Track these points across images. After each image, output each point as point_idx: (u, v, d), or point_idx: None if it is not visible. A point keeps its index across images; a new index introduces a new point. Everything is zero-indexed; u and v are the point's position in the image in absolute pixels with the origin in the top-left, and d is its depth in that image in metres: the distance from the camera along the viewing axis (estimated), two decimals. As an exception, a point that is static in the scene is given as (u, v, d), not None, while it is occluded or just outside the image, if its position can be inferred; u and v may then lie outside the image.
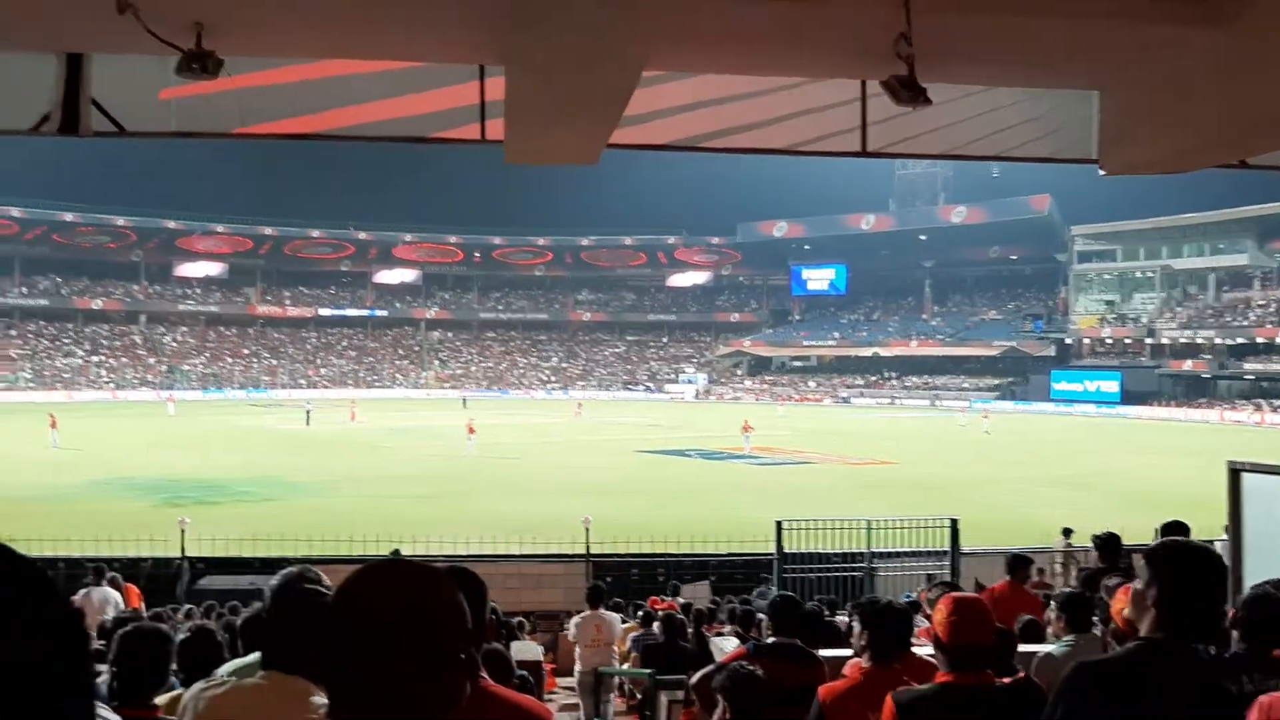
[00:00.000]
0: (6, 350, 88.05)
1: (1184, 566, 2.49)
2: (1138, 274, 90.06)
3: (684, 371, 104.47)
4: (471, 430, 40.74)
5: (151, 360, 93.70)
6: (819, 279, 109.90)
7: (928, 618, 7.66)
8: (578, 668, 10.67)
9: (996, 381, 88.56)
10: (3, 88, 4.31)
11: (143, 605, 11.97)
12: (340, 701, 1.46)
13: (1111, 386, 78.54)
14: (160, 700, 3.37)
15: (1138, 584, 2.56)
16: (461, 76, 4.49)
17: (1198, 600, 2.46)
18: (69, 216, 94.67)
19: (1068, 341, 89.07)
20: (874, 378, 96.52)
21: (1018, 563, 8.74)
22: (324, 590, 2.53)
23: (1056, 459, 40.97)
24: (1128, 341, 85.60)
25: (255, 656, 2.73)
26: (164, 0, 3.12)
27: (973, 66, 4.00)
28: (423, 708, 1.44)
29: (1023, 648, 5.43)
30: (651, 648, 9.08)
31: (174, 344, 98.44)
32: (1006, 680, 3.41)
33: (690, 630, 9.58)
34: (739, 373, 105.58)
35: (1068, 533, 15.78)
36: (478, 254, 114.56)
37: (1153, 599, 2.46)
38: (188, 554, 15.89)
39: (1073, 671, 2.46)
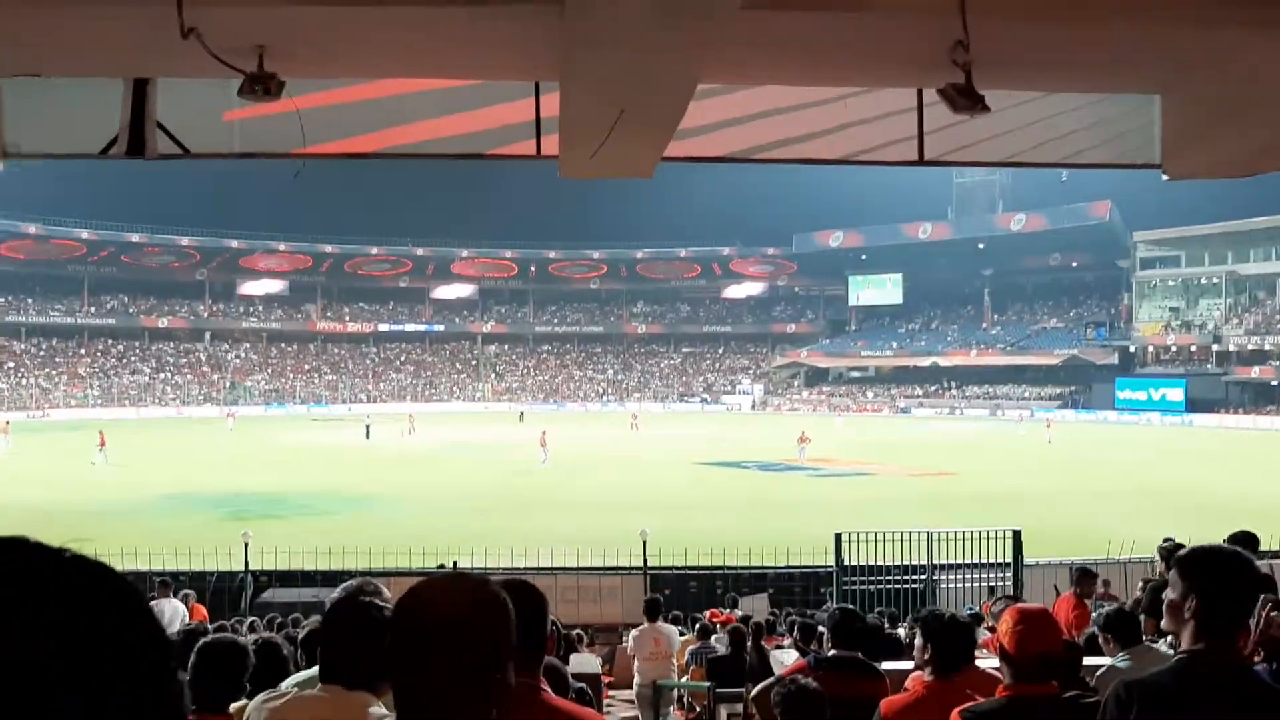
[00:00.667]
0: (76, 368, 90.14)
1: (1220, 572, 2.41)
2: (1202, 280, 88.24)
3: (740, 383, 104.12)
4: (544, 442, 40.92)
5: (215, 377, 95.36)
6: (876, 289, 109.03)
7: (991, 630, 7.55)
8: (636, 680, 10.65)
9: (1059, 390, 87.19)
10: (73, 113, 4.42)
11: (208, 619, 12.16)
12: (400, 709, 1.55)
13: (1177, 394, 77.00)
14: (233, 708, 3.46)
15: (1171, 594, 2.48)
16: (517, 93, 4.53)
17: (1234, 606, 2.39)
18: (136, 237, 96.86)
19: (1131, 349, 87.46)
20: (933, 388, 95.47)
21: (1083, 576, 8.60)
22: (377, 603, 2.57)
23: (1121, 468, 40.23)
24: (1193, 348, 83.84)
25: (316, 669, 2.78)
26: (226, 25, 3.18)
27: (1031, 73, 3.96)
28: (470, 713, 1.51)
29: (1089, 660, 5.34)
30: (716, 660, 9.03)
31: (237, 361, 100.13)
32: (1072, 692, 3.35)
33: (749, 643, 9.53)
34: (796, 384, 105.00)
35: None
36: (533, 268, 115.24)
37: (1191, 610, 2.39)
38: (251, 567, 16.12)
39: (1116, 689, 2.42)
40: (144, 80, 4.32)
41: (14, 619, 0.67)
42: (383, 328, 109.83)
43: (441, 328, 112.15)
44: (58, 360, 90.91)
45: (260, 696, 2.61)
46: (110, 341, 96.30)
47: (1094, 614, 8.38)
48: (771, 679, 5.78)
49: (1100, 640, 5.61)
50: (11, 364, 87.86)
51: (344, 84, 4.53)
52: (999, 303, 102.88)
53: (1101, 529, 21.07)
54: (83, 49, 3.67)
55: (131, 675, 0.72)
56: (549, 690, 2.46)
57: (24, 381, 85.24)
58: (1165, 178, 4.70)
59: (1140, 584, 12.07)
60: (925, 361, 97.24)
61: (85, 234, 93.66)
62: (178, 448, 49.00)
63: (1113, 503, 29.17)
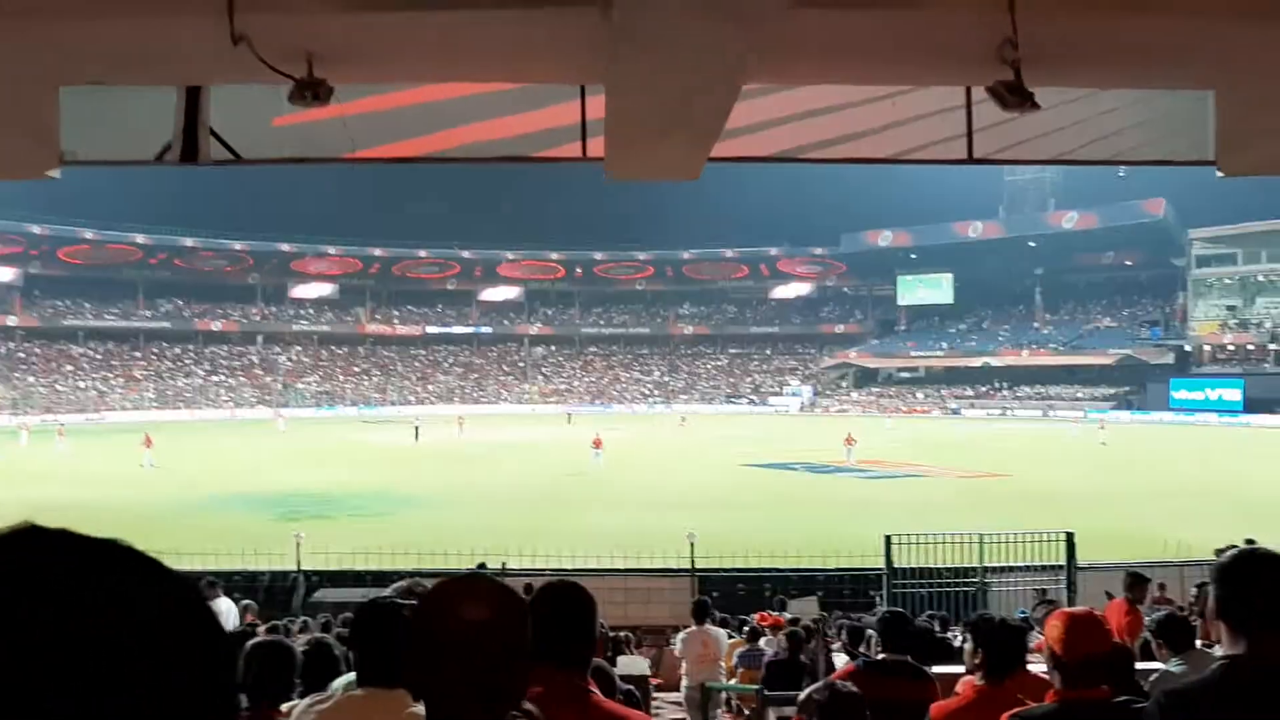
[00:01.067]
0: (132, 371, 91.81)
1: (1252, 575, 2.38)
2: (1260, 277, 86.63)
3: (788, 384, 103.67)
4: (598, 444, 40.98)
5: (268, 379, 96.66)
6: (926, 288, 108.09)
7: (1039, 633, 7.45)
8: (684, 683, 10.64)
9: (1112, 391, 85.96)
10: (127, 121, 4.50)
11: (257, 620, 12.31)
12: (429, 709, 1.59)
13: (1234, 394, 75.64)
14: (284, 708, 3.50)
15: (1211, 599, 2.45)
16: (563, 96, 4.54)
17: (1271, 608, 2.35)
18: (190, 242, 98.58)
19: (1187, 349, 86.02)
20: (984, 388, 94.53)
21: (1135, 581, 8.46)
22: (407, 604, 2.60)
23: (1176, 469, 39.57)
24: (1250, 348, 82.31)
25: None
26: (276, 32, 3.22)
27: (1082, 69, 3.90)
28: (485, 715, 1.55)
29: (1144, 665, 5.26)
30: (772, 663, 8.97)
31: (289, 363, 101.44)
32: (1124, 697, 3.30)
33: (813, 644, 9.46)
34: (844, 385, 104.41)
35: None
36: (579, 270, 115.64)
37: (1228, 614, 2.36)
38: (303, 567, 16.31)
39: (1157, 697, 2.41)
40: (196, 88, 4.38)
41: (73, 614, 0.68)
42: (431, 330, 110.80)
43: (489, 330, 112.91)
44: (114, 363, 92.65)
45: (307, 700, 2.64)
46: (165, 345, 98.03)
47: (1147, 619, 8.24)
48: (819, 683, 5.75)
49: (1154, 646, 5.52)
50: (69, 367, 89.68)
51: (392, 89, 4.56)
52: (1051, 302, 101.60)
53: (1157, 531, 20.76)
54: (137, 57, 3.72)
55: (194, 675, 0.72)
56: (597, 691, 2.46)
57: (81, 384, 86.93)
58: (1220, 174, 4.61)
59: (1195, 588, 11.87)
60: (976, 362, 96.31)
61: (140, 239, 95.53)
62: (230, 449, 49.72)
63: (1168, 504, 28.69)
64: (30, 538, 0.72)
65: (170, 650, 0.71)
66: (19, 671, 0.64)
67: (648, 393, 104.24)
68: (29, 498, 28.89)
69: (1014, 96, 3.35)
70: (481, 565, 15.53)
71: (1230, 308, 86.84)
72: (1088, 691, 3.18)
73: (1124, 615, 8.22)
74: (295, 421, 70.04)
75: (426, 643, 1.56)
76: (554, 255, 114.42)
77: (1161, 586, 13.68)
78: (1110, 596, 9.77)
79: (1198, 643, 5.42)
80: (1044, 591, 13.75)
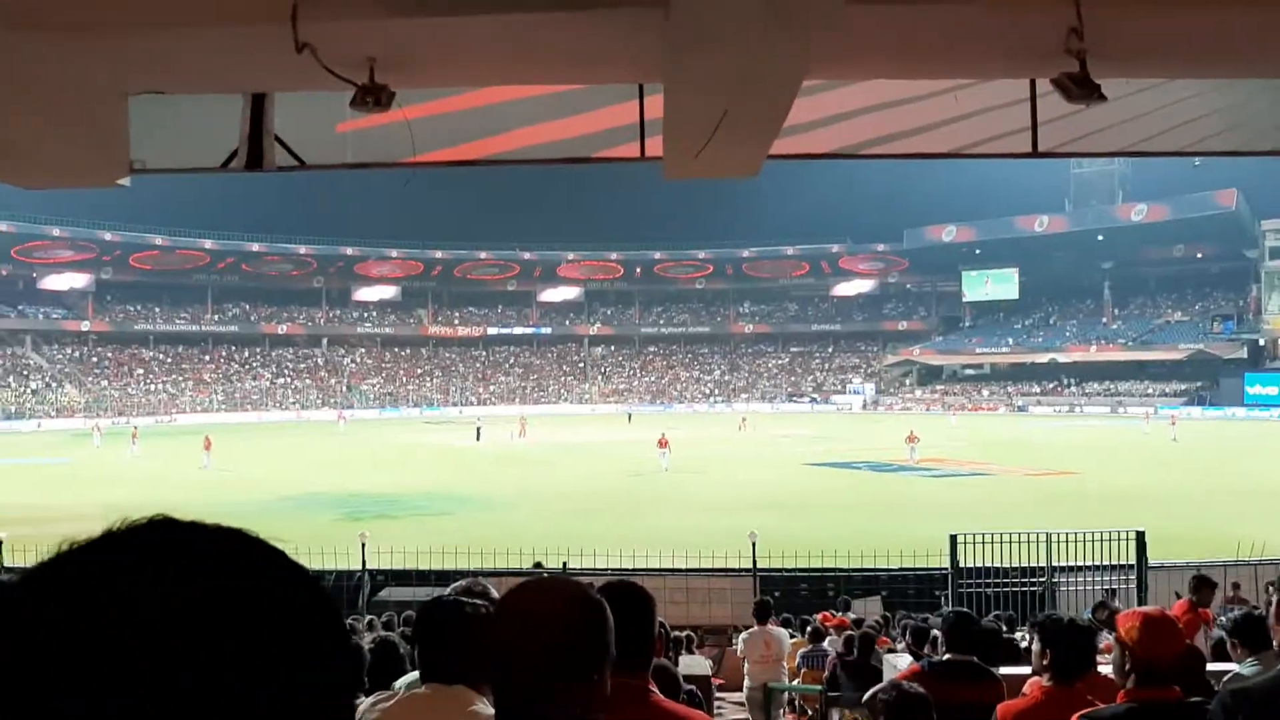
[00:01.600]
0: (201, 374, 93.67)
1: None
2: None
3: (851, 382, 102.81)
4: (664, 444, 40.57)
5: (332, 381, 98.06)
6: (992, 284, 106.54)
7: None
8: (746, 684, 10.61)
9: (1184, 386, 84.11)
10: (194, 129, 4.59)
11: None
12: (498, 706, 1.63)
13: (1311, 389, 73.70)
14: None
15: (1273, 605, 2.43)
16: (620, 96, 4.55)
17: None
18: (256, 247, 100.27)
19: (1261, 343, 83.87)
20: (1051, 385, 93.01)
21: (1200, 584, 8.28)
22: (470, 602, 2.63)
23: (1250, 467, 38.61)
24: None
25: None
26: (338, 39, 3.27)
27: (1151, 59, 3.82)
28: (565, 714, 1.57)
29: (1216, 666, 5.14)
30: (847, 664, 8.90)
31: (353, 365, 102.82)
32: (1196, 699, 3.23)
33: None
34: (908, 382, 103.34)
35: None
36: (638, 269, 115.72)
37: None
38: (368, 567, 16.51)
39: (1222, 697, 2.38)
40: (261, 95, 4.46)
41: (208, 604, 0.69)
42: (492, 331, 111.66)
43: (549, 330, 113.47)
44: (184, 367, 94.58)
45: (372, 698, 2.68)
46: (232, 348, 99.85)
47: (1220, 618, 8.06)
48: (883, 684, 5.69)
49: (1228, 646, 5.39)
50: (140, 370, 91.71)
51: (452, 93, 4.61)
52: (1120, 296, 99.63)
53: (1231, 530, 20.25)
54: (203, 67, 3.80)
55: (323, 666, 0.74)
56: (658, 692, 2.46)
57: (153, 388, 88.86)
58: (1297, 164, 4.49)
59: (1268, 586, 11.58)
60: (1043, 358, 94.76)
61: (208, 244, 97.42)
62: (296, 450, 50.49)
63: (1242, 502, 27.99)
64: (164, 529, 0.75)
65: (301, 641, 0.72)
66: (161, 660, 0.65)
67: (708, 392, 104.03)
68: (107, 500, 29.59)
69: (1080, 89, 3.29)
70: (537, 564, 15.62)
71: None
72: (1159, 692, 3.12)
73: (1184, 614, 8.07)
74: (359, 423, 70.90)
75: (508, 641, 1.58)
76: (613, 255, 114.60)
77: (1235, 586, 13.37)
78: (1179, 597, 9.59)
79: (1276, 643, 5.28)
80: (1112, 593, 13.49)
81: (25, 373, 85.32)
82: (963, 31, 3.40)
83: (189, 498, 30.74)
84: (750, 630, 10.95)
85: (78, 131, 4.22)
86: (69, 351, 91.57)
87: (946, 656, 5.42)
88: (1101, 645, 6.09)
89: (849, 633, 9.73)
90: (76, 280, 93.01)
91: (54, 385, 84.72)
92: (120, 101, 4.15)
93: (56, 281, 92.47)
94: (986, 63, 3.96)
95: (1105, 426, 65.97)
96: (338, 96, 3.66)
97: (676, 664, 8.46)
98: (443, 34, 3.44)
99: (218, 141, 4.50)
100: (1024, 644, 8.45)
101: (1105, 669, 4.18)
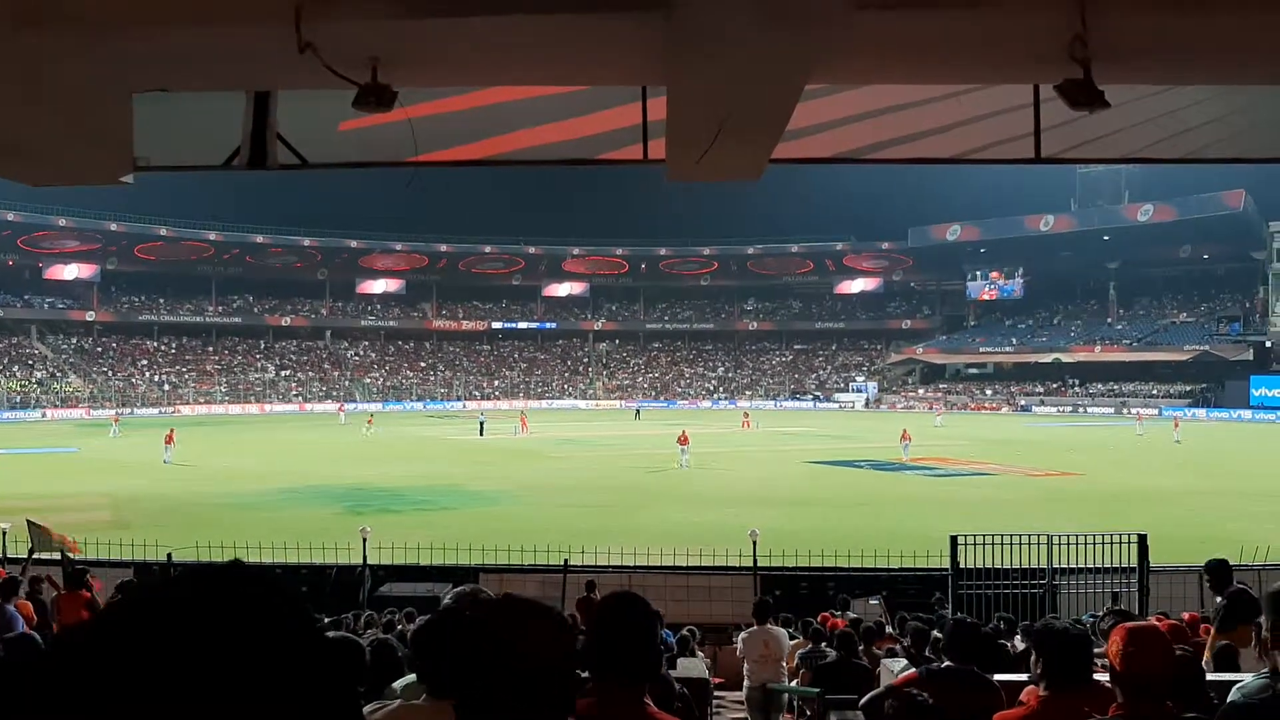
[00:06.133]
0: (205, 366, 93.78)
1: None
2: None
3: (854, 380, 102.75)
4: (684, 440, 40.03)
5: (336, 374, 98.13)
6: (995, 283, 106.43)
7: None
8: (746, 684, 10.60)
9: (1189, 388, 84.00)
10: (198, 127, 4.59)
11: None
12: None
13: (1318, 392, 73.56)
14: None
15: (1265, 621, 2.39)
16: (624, 98, 4.54)
17: None
18: (260, 238, 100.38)
19: (1267, 345, 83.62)
20: (1055, 385, 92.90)
21: (1237, 603, 8.26)
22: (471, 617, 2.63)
23: (1255, 469, 38.53)
24: (1335, 344, 79.91)
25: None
26: (341, 38, 3.26)
27: (1154, 66, 3.81)
28: None
29: (1216, 677, 5.13)
30: (825, 666, 8.91)
31: (356, 358, 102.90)
32: (1192, 715, 3.21)
33: (860, 649, 9.37)
34: (911, 381, 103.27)
35: None
36: (644, 265, 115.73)
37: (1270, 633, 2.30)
38: (369, 561, 16.51)
39: (1225, 709, 2.36)
40: (265, 94, 4.46)
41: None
42: (496, 325, 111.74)
43: (553, 325, 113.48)
44: (188, 358, 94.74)
45: (369, 707, 2.68)
46: (236, 339, 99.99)
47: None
48: (882, 689, 5.69)
49: (1256, 654, 5.39)
50: (144, 361, 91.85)
51: (454, 93, 4.60)
52: (1125, 297, 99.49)
53: (1234, 533, 20.23)
54: (207, 65, 3.80)
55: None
56: (652, 704, 2.46)
57: (156, 379, 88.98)
58: (1302, 171, 4.48)
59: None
60: (1047, 358, 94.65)
61: (213, 235, 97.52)
62: (300, 442, 50.51)
63: (1246, 505, 27.93)
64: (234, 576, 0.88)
65: (311, 674, 0.85)
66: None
67: (711, 389, 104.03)
68: (114, 490, 29.71)
69: (1083, 95, 3.28)
70: (564, 562, 15.55)
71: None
72: (1150, 708, 3.08)
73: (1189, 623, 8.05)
74: (357, 415, 70.58)
75: (470, 657, 1.62)
76: (618, 251, 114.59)
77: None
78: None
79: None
80: (1116, 596, 13.46)
81: (30, 363, 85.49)
82: (966, 37, 3.39)
83: (191, 490, 30.83)
84: (750, 629, 10.94)
85: (83, 129, 4.22)
86: (74, 342, 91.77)
87: (946, 663, 5.41)
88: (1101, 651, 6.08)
89: (845, 631, 9.72)
90: (82, 270, 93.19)
91: (58, 375, 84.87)
92: (125, 99, 4.16)
93: (62, 271, 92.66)
94: (990, 68, 3.95)
95: (1109, 427, 65.86)
96: (341, 95, 3.65)
97: (673, 666, 8.47)
98: (446, 35, 3.43)
99: (221, 139, 4.51)
100: (1019, 650, 8.44)
101: (1103, 676, 4.18)
